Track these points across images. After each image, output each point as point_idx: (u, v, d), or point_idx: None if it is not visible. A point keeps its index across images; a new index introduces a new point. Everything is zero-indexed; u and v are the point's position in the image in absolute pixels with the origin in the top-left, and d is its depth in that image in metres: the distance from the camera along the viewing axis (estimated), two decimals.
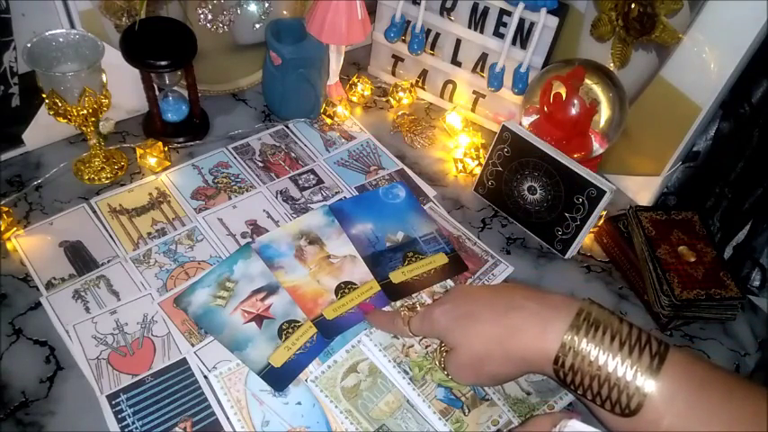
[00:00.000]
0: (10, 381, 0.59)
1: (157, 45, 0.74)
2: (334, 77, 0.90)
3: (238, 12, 0.85)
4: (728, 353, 0.72)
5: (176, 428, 0.57)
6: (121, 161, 0.78)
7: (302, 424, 0.58)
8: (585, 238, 0.78)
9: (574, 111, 0.75)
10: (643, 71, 0.78)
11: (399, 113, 0.92)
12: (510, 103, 0.89)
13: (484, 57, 0.87)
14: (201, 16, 0.83)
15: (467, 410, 0.61)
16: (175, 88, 0.81)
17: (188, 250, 0.71)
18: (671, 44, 0.73)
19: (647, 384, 0.48)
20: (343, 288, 0.69)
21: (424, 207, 0.80)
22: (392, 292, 0.69)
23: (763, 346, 0.73)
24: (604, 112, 0.76)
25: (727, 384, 0.49)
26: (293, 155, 0.84)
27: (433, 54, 0.91)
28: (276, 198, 0.78)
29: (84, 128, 0.72)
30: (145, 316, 0.64)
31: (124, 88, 0.78)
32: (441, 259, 0.73)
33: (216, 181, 0.78)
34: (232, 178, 0.79)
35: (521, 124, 0.80)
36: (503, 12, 0.82)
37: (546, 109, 0.77)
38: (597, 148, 0.78)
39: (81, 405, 0.58)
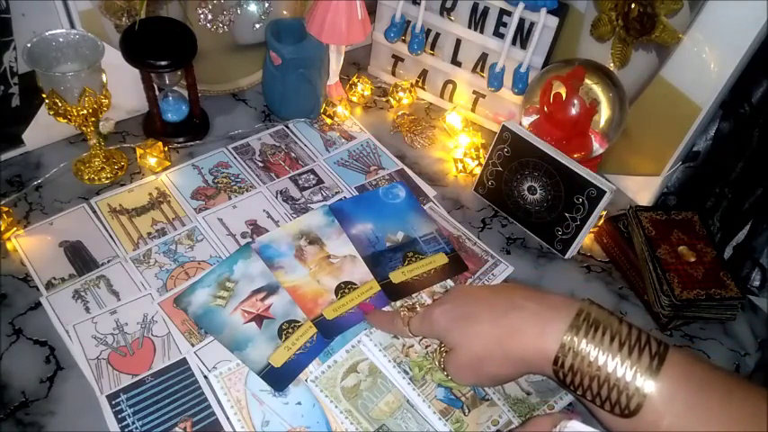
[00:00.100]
0: (10, 381, 0.59)
1: (157, 45, 0.74)
2: (334, 77, 0.90)
3: (238, 12, 0.85)
4: (728, 353, 0.72)
5: (176, 428, 0.57)
6: (121, 161, 0.78)
7: (302, 424, 0.58)
8: (585, 238, 0.78)
9: (574, 111, 0.75)
10: (643, 71, 0.78)
11: (399, 113, 0.92)
12: (510, 103, 0.89)
13: (484, 57, 0.87)
14: (201, 16, 0.83)
15: (467, 410, 0.61)
16: (175, 88, 0.81)
17: (188, 250, 0.71)
18: (671, 44, 0.73)
19: (647, 385, 0.48)
20: (343, 288, 0.69)
21: (424, 207, 0.80)
22: (392, 292, 0.69)
23: (763, 346, 0.73)
24: (604, 112, 0.76)
25: (727, 385, 0.49)
26: (293, 155, 0.84)
27: (433, 54, 0.91)
28: (276, 198, 0.78)
29: (84, 128, 0.72)
30: (145, 316, 0.64)
31: (124, 88, 0.78)
32: (441, 259, 0.73)
33: (216, 181, 0.78)
34: (232, 178, 0.79)
35: (521, 124, 0.80)
36: (503, 12, 0.82)
37: (546, 109, 0.77)
38: (597, 148, 0.78)
39: (81, 405, 0.58)
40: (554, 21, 0.79)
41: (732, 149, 0.79)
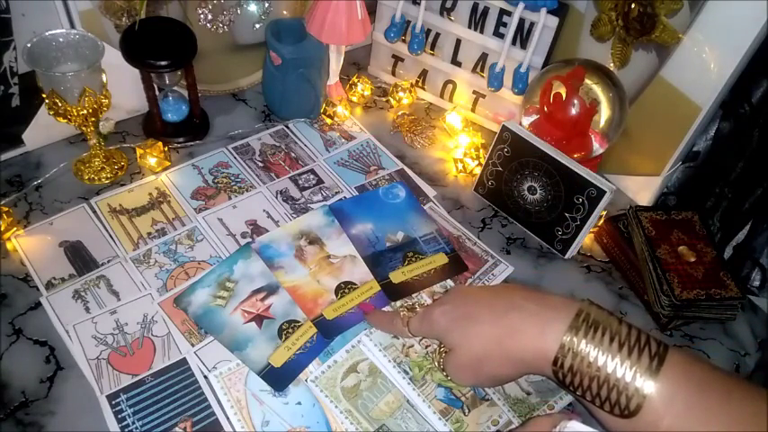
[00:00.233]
0: (10, 381, 0.59)
1: (157, 45, 0.74)
2: (334, 77, 0.90)
3: (238, 12, 0.85)
4: (728, 353, 0.72)
5: (176, 428, 0.57)
6: (121, 161, 0.78)
7: (302, 424, 0.58)
8: (585, 238, 0.78)
9: (574, 111, 0.75)
10: (643, 71, 0.78)
11: (399, 113, 0.92)
12: (510, 103, 0.89)
13: (484, 57, 0.87)
14: (201, 16, 0.83)
15: (467, 410, 0.61)
16: (175, 88, 0.81)
17: (188, 250, 0.71)
18: (671, 44, 0.73)
19: (647, 385, 0.48)
20: (343, 288, 0.69)
21: (424, 207, 0.80)
22: (392, 292, 0.69)
23: (763, 346, 0.73)
24: (604, 112, 0.76)
25: (727, 385, 0.49)
26: (293, 155, 0.84)
27: (433, 54, 0.91)
28: (276, 198, 0.78)
29: (84, 128, 0.72)
30: (145, 316, 0.64)
31: (124, 88, 0.78)
32: (441, 259, 0.73)
33: (216, 181, 0.78)
34: (232, 178, 0.79)
35: (521, 124, 0.80)
36: (503, 12, 0.82)
37: (546, 109, 0.77)
38: (597, 148, 0.78)
39: (81, 405, 0.58)
40: (554, 21, 0.79)
41: (732, 149, 0.79)
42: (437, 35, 0.89)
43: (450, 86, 0.92)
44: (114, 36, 0.76)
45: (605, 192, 0.71)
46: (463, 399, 0.62)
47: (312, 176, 0.81)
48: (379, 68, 0.97)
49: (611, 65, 0.78)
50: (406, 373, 0.62)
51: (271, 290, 0.67)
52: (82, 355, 0.61)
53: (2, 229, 0.68)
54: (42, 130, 0.76)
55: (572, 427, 0.47)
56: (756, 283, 0.78)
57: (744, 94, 0.76)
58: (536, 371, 0.55)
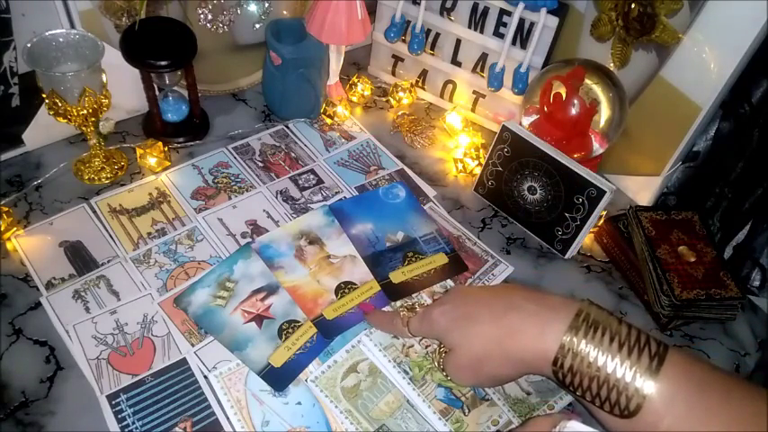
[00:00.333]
0: (10, 381, 0.59)
1: (157, 45, 0.74)
2: (334, 77, 0.90)
3: (238, 12, 0.85)
4: (728, 353, 0.72)
5: (176, 428, 0.57)
6: (121, 161, 0.78)
7: (302, 424, 0.58)
8: (585, 238, 0.78)
9: (574, 111, 0.75)
10: (643, 71, 0.78)
11: (399, 113, 0.92)
12: (510, 103, 0.89)
13: (484, 57, 0.87)
14: (201, 16, 0.83)
15: (467, 410, 0.61)
16: (175, 88, 0.81)
17: (188, 250, 0.71)
18: (671, 44, 0.73)
19: (647, 385, 0.48)
20: (343, 288, 0.69)
21: (424, 207, 0.80)
22: (392, 292, 0.69)
23: (763, 346, 0.73)
24: (604, 112, 0.76)
25: (726, 385, 0.49)
26: (293, 155, 0.84)
27: (433, 54, 0.91)
28: (276, 198, 0.78)
29: (84, 128, 0.72)
30: (145, 316, 0.64)
31: (124, 88, 0.78)
32: (441, 259, 0.73)
33: (216, 181, 0.78)
34: (232, 178, 0.79)
35: (521, 124, 0.80)
36: (503, 12, 0.82)
37: (546, 109, 0.77)
38: (597, 148, 0.78)
39: (81, 405, 0.58)
40: (554, 21, 0.79)
41: (732, 149, 0.79)
42: (437, 35, 0.89)
43: (450, 86, 0.92)
44: (114, 36, 0.76)
45: (605, 192, 0.71)
46: (463, 399, 0.62)
47: (312, 176, 0.81)
48: (379, 68, 0.97)
49: (611, 65, 0.78)
50: (406, 373, 0.62)
51: (271, 290, 0.67)
52: (82, 355, 0.61)
53: (2, 229, 0.68)
54: (42, 130, 0.76)
55: (572, 427, 0.47)
56: (756, 283, 0.78)
57: (744, 94, 0.76)
58: (536, 371, 0.55)
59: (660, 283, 0.69)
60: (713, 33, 0.71)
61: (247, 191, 0.78)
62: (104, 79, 0.70)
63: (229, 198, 0.77)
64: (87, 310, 0.64)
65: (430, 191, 0.82)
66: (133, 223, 0.73)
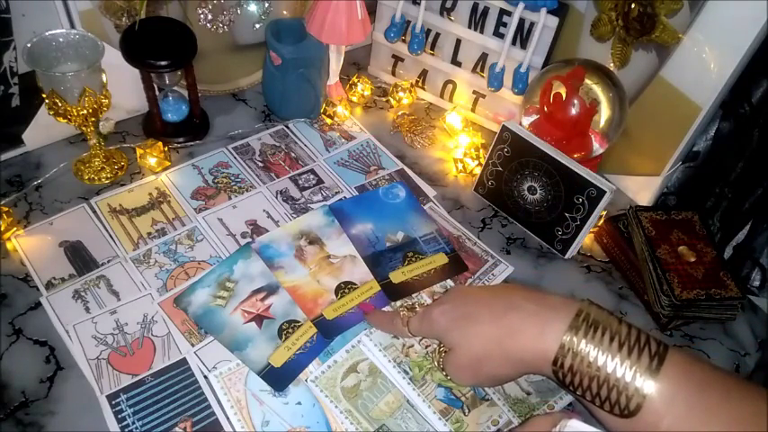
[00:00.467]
0: (10, 381, 0.59)
1: (157, 45, 0.74)
2: (334, 77, 0.90)
3: (238, 12, 0.85)
4: (728, 353, 0.72)
5: (176, 428, 0.57)
6: (121, 161, 0.78)
7: (302, 424, 0.58)
8: (585, 238, 0.78)
9: (574, 111, 0.75)
10: (643, 71, 0.78)
11: (399, 113, 0.92)
12: (510, 103, 0.89)
13: (484, 57, 0.87)
14: (201, 16, 0.83)
15: (467, 410, 0.61)
16: (175, 88, 0.81)
17: (188, 250, 0.71)
18: (671, 44, 0.73)
19: (647, 385, 0.48)
20: (343, 288, 0.69)
21: (424, 207, 0.80)
22: (392, 292, 0.69)
23: (763, 346, 0.73)
24: (604, 112, 0.76)
25: (726, 385, 0.49)
26: (293, 155, 0.84)
27: (433, 54, 0.91)
28: (276, 198, 0.78)
29: (84, 128, 0.72)
30: (145, 316, 0.64)
31: (124, 88, 0.78)
32: (441, 259, 0.73)
33: (216, 181, 0.78)
34: (232, 178, 0.79)
35: (521, 124, 0.80)
36: (503, 12, 0.82)
37: (546, 109, 0.77)
38: (597, 148, 0.78)
39: (81, 405, 0.58)
40: (554, 21, 0.79)
41: (732, 149, 0.79)
42: (437, 35, 0.89)
43: (450, 86, 0.92)
44: (114, 36, 0.76)
45: (605, 192, 0.71)
46: (463, 399, 0.62)
47: (312, 176, 0.81)
48: (379, 68, 0.97)
49: (611, 65, 0.78)
50: (406, 373, 0.62)
51: (271, 290, 0.67)
52: (82, 355, 0.61)
53: (2, 229, 0.68)
54: (42, 130, 0.76)
55: (573, 427, 0.47)
56: (756, 283, 0.78)
57: (744, 94, 0.76)
58: (535, 371, 0.55)
59: (660, 283, 0.69)
60: (713, 33, 0.71)
61: (247, 191, 0.78)
62: (104, 79, 0.70)
63: (229, 198, 0.77)
64: (87, 310, 0.64)
65: (430, 191, 0.82)
66: (133, 223, 0.73)
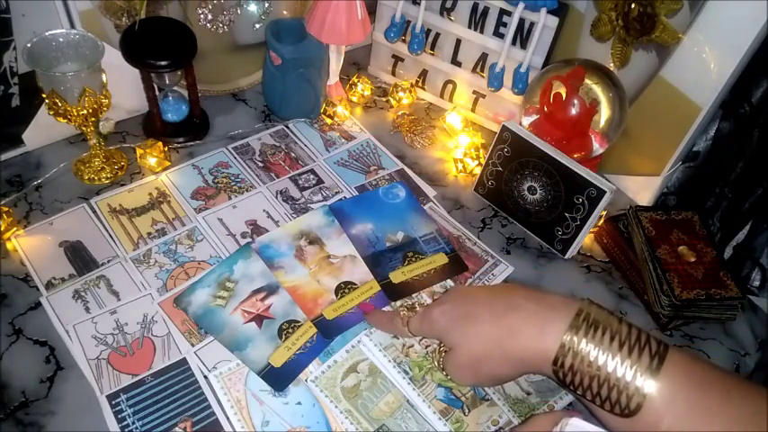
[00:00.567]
0: (10, 381, 0.59)
1: (157, 45, 0.74)
2: (334, 77, 0.90)
3: (238, 12, 0.85)
4: (728, 353, 0.72)
5: (176, 428, 0.57)
6: (121, 161, 0.78)
7: (302, 424, 0.58)
8: (585, 238, 0.78)
9: (574, 111, 0.75)
10: (643, 71, 0.78)
11: (399, 113, 0.92)
12: (510, 103, 0.89)
13: (484, 57, 0.87)
14: (201, 16, 0.83)
15: (467, 410, 0.61)
16: (175, 88, 0.81)
17: (188, 250, 0.71)
18: (671, 44, 0.73)
19: (647, 385, 0.48)
20: (343, 288, 0.69)
21: (424, 207, 0.80)
22: (392, 292, 0.69)
23: (763, 346, 0.73)
24: (604, 112, 0.76)
25: (727, 384, 0.49)
26: (293, 155, 0.84)
27: (433, 54, 0.91)
28: (276, 198, 0.78)
29: (84, 128, 0.72)
30: (145, 316, 0.64)
31: (124, 88, 0.78)
32: (441, 259, 0.73)
33: (216, 181, 0.78)
34: (232, 178, 0.79)
35: (521, 124, 0.80)
36: (503, 12, 0.82)
37: (546, 109, 0.77)
38: (597, 148, 0.78)
39: (81, 405, 0.58)
40: (554, 21, 0.79)
41: (732, 149, 0.79)
42: (437, 35, 0.89)
43: (450, 86, 0.92)
44: (114, 36, 0.76)
45: (605, 192, 0.71)
46: (463, 399, 0.62)
47: (312, 176, 0.81)
48: (379, 68, 0.97)
49: (611, 65, 0.78)
50: (406, 373, 0.62)
51: (271, 290, 0.67)
52: (82, 355, 0.61)
53: (2, 229, 0.68)
54: (42, 130, 0.76)
55: (574, 425, 0.47)
56: (756, 283, 0.78)
57: (744, 94, 0.76)
58: (536, 370, 0.55)
59: (660, 283, 0.69)
60: (713, 33, 0.71)
61: (247, 191, 0.78)
62: (104, 79, 0.70)
63: (229, 198, 0.77)
64: (87, 310, 0.64)
65: (430, 191, 0.82)
66: (133, 223, 0.73)
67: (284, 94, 0.84)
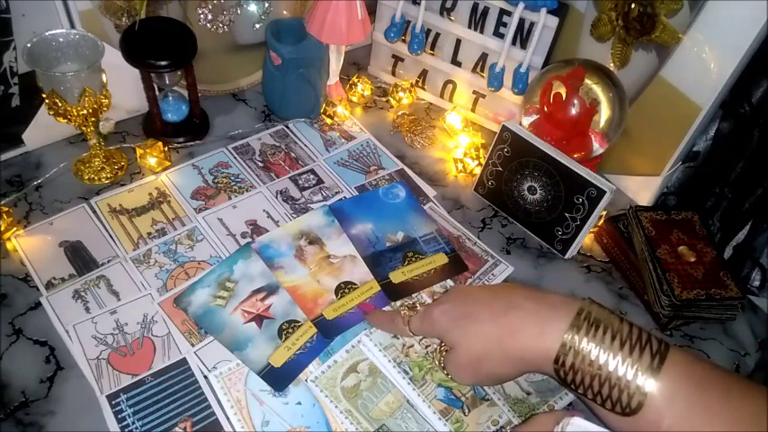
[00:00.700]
0: (10, 381, 0.59)
1: (157, 45, 0.74)
2: (334, 77, 0.90)
3: (238, 12, 0.85)
4: (728, 353, 0.72)
5: (176, 428, 0.57)
6: (121, 161, 0.78)
7: (302, 424, 0.58)
8: (585, 238, 0.78)
9: (574, 111, 0.75)
10: (643, 71, 0.78)
11: (399, 113, 0.92)
12: (510, 103, 0.89)
13: (484, 57, 0.87)
14: (201, 16, 0.83)
15: (467, 410, 0.61)
16: (175, 88, 0.81)
17: (188, 250, 0.71)
18: (671, 44, 0.73)
19: (648, 384, 0.48)
20: (343, 288, 0.69)
21: (424, 207, 0.80)
22: (392, 292, 0.69)
23: (763, 346, 0.73)
24: (604, 112, 0.76)
25: (727, 384, 0.49)
26: (293, 155, 0.84)
27: (433, 54, 0.91)
28: (276, 198, 0.78)
29: (84, 128, 0.72)
30: (145, 316, 0.64)
31: (124, 88, 0.78)
32: (441, 259, 0.73)
33: (216, 181, 0.78)
34: (232, 178, 0.79)
35: (521, 124, 0.80)
36: (503, 12, 0.82)
37: (546, 109, 0.77)
38: (597, 148, 0.78)
39: (81, 405, 0.58)
40: (554, 21, 0.79)
41: (732, 149, 0.79)
42: (437, 35, 0.89)
43: (450, 86, 0.92)
44: (114, 36, 0.76)
45: (605, 192, 0.71)
46: (463, 399, 0.62)
47: (312, 176, 0.81)
48: (379, 68, 0.97)
49: (611, 65, 0.78)
50: (406, 373, 0.62)
51: (271, 290, 0.67)
52: (82, 355, 0.61)
53: (2, 229, 0.68)
54: (42, 130, 0.76)
55: (575, 424, 0.47)
56: (756, 283, 0.78)
57: (744, 94, 0.76)
58: (536, 369, 0.55)
59: (660, 283, 0.69)
60: (713, 33, 0.71)
61: (247, 191, 0.78)
62: (104, 79, 0.70)
63: (229, 198, 0.77)
64: (87, 310, 0.64)
65: (430, 191, 0.82)
66: (133, 223, 0.73)
67: (284, 94, 0.84)
